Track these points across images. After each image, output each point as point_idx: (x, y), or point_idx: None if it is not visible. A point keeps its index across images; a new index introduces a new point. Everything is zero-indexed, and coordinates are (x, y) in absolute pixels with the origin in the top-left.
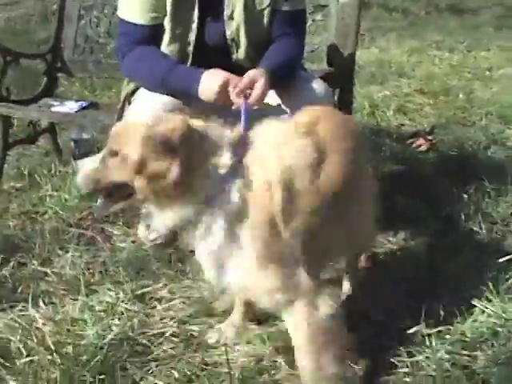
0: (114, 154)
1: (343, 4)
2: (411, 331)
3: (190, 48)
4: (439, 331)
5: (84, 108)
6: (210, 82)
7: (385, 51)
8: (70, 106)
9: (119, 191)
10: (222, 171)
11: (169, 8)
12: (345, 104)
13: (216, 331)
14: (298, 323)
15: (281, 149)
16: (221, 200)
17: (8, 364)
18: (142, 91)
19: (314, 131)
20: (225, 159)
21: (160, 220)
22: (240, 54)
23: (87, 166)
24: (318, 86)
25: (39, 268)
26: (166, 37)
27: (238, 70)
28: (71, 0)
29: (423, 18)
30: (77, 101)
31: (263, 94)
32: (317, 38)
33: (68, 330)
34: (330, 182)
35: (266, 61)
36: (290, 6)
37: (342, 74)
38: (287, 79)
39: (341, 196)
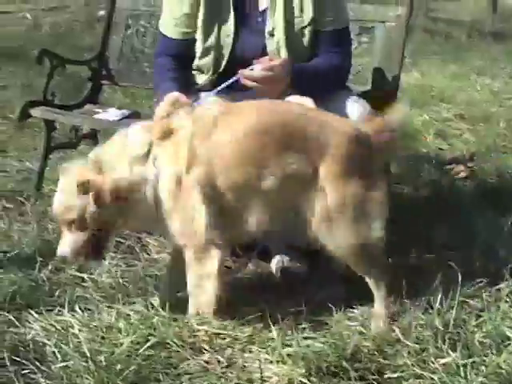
0: (70, 223)
1: (389, 27)
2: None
3: (224, 61)
4: (474, 362)
5: (126, 117)
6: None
7: (426, 75)
8: (113, 114)
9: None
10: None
11: (200, 23)
12: None
13: None
14: (187, 265)
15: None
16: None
17: (43, 368)
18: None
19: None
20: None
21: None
22: None
23: (65, 249)
24: (357, 104)
25: (76, 273)
26: (199, 50)
27: None
28: (119, 9)
29: (466, 44)
30: (119, 108)
31: (266, 74)
32: (362, 59)
33: (103, 338)
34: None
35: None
36: (333, 26)
37: (386, 96)
38: (320, 88)
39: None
